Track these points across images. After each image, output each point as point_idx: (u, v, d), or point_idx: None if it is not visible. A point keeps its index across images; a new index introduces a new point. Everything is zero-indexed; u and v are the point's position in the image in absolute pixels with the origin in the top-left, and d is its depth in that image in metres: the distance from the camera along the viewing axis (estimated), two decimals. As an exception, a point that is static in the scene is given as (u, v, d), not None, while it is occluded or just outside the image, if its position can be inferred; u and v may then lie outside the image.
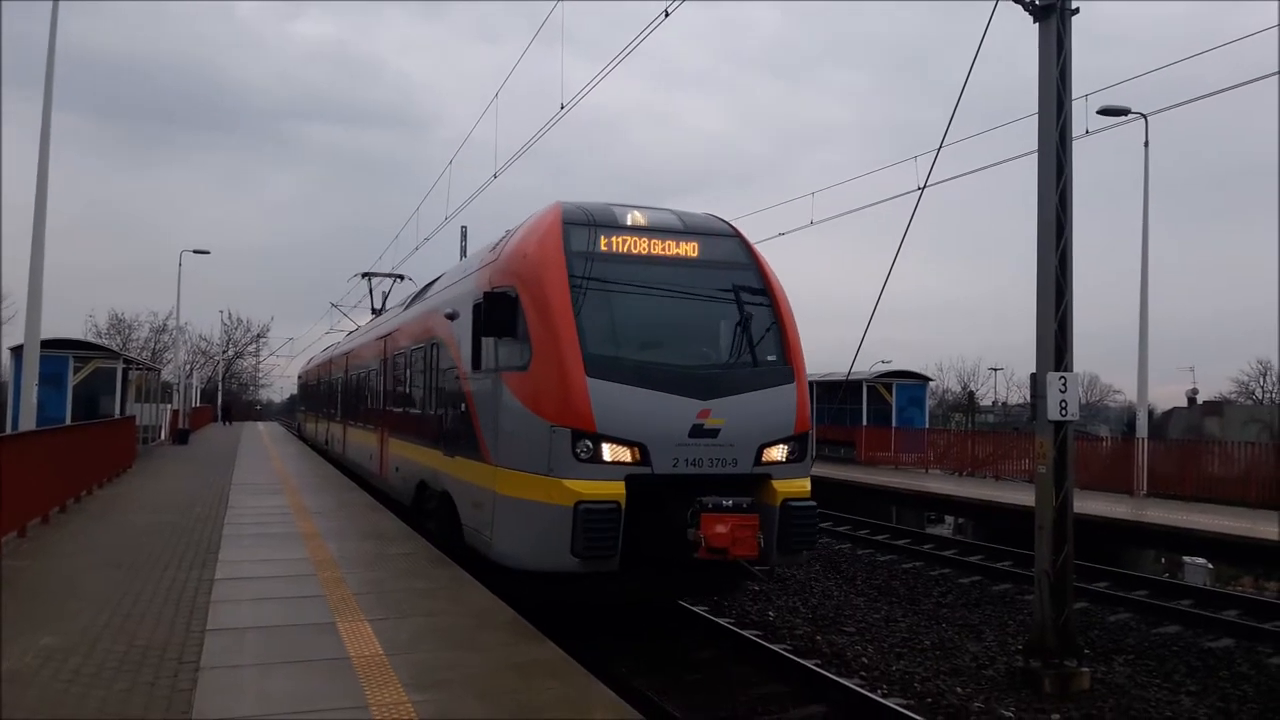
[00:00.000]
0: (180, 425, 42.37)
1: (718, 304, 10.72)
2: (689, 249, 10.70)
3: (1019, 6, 10.88)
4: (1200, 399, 72.32)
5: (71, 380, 28.52)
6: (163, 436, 41.74)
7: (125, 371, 32.90)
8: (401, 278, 31.73)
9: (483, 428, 10.74)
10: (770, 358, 10.48)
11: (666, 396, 9.54)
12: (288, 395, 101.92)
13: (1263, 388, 77.24)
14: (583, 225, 10.36)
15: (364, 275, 33.59)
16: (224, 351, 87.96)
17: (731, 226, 11.40)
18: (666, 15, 12.21)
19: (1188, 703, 10.29)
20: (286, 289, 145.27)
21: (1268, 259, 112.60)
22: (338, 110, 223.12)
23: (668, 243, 10.61)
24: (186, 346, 75.47)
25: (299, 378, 51.54)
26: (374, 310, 31.25)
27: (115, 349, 39.15)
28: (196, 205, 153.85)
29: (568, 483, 9.16)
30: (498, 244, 11.64)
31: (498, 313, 10.15)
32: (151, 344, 77.16)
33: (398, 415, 16.86)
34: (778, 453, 10.06)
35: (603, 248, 10.27)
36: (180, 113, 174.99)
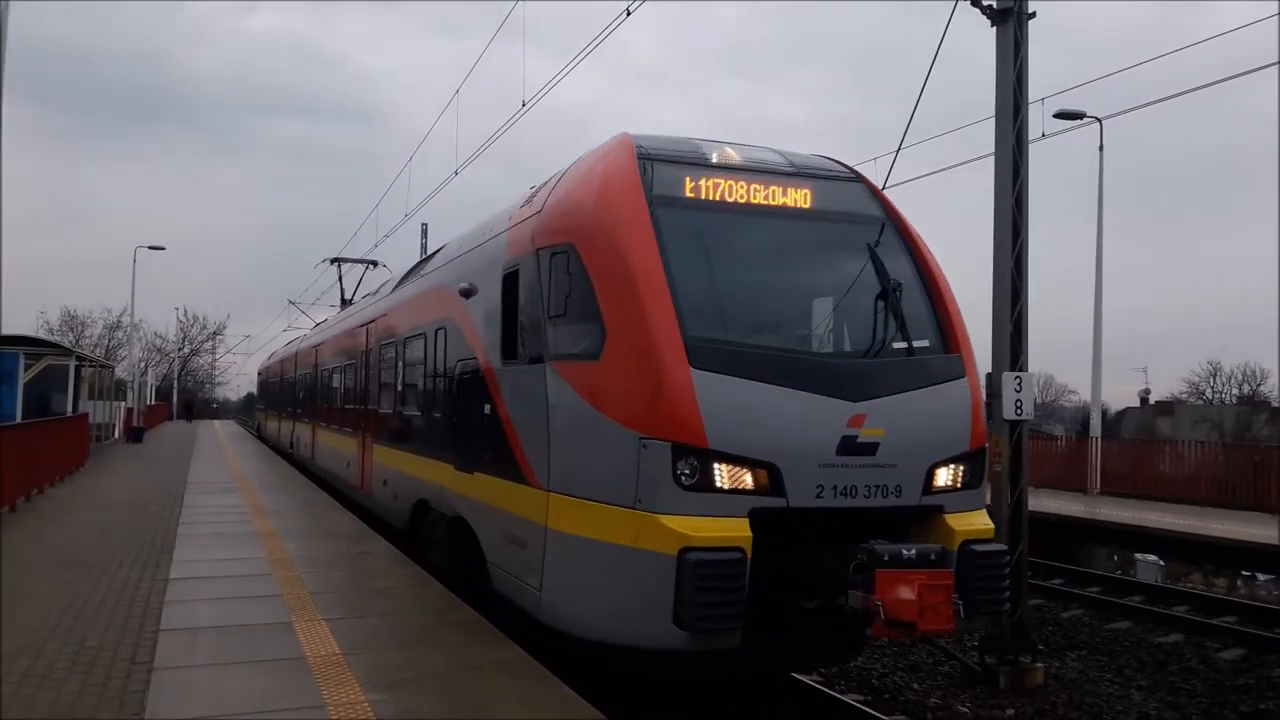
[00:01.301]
0: (134, 423, 41.72)
1: (850, 269, 8.01)
2: (802, 196, 8.05)
3: (977, 10, 11.02)
4: (1152, 399, 73.68)
5: (22, 378, 27.94)
6: (116, 435, 41.07)
7: (78, 369, 32.31)
8: (374, 264, 29.83)
9: (522, 437, 8.11)
10: (926, 342, 7.86)
11: (804, 396, 6.85)
12: (245, 394, 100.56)
13: (1212, 388, 78.88)
14: (665, 163, 7.81)
15: (333, 261, 31.19)
16: (180, 349, 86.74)
17: (851, 168, 8.83)
18: (628, 14, 12.21)
19: (1138, 697, 10.48)
20: (243, 286, 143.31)
21: (1220, 261, 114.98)
22: (294, 104, 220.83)
23: (773, 188, 7.96)
24: (141, 344, 74.34)
25: (259, 374, 49.37)
26: (343, 300, 29.51)
27: (67, 346, 38.41)
28: (150, 200, 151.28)
29: (667, 520, 6.41)
30: (533, 194, 9.02)
31: (547, 282, 7.80)
32: (105, 341, 76.01)
33: (386, 417, 14.14)
34: (951, 475, 7.34)
35: (692, 193, 7.71)
36: (132, 106, 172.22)
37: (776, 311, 7.89)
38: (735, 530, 6.44)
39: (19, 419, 24.81)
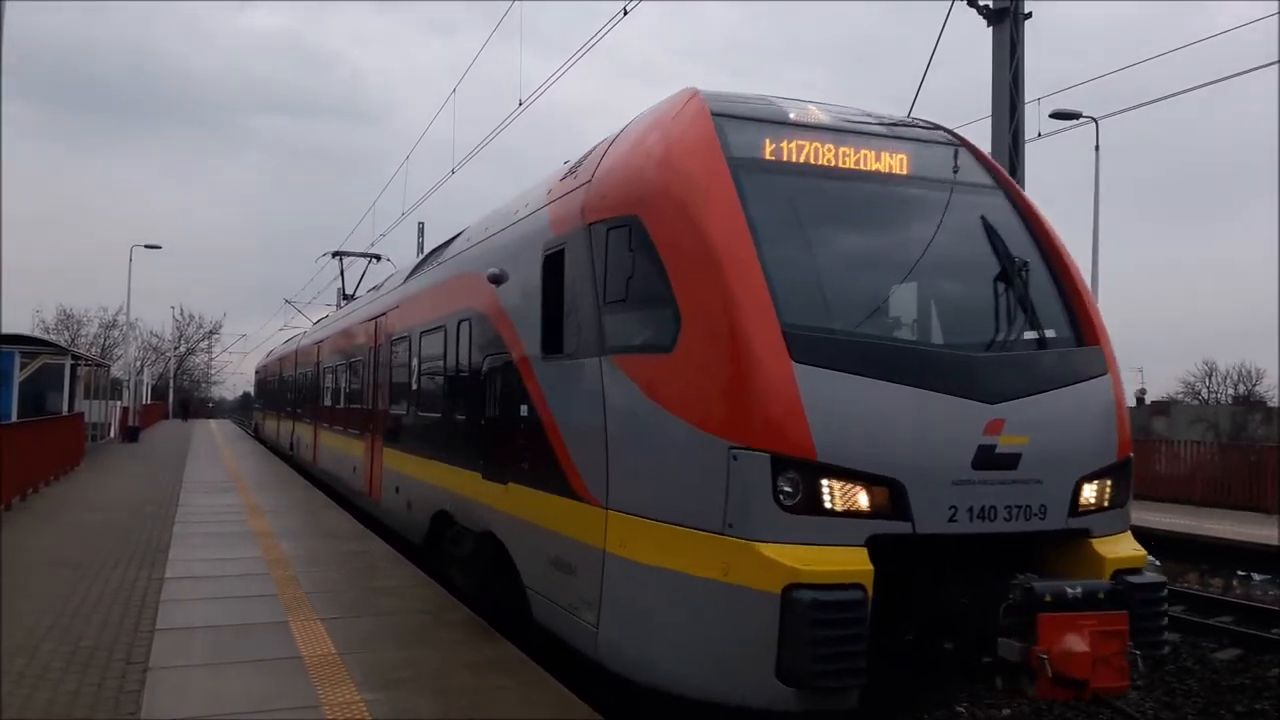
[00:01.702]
0: (130, 423, 41.65)
1: (966, 245, 6.77)
2: (899, 161, 6.84)
3: (974, 10, 11.04)
4: (1148, 399, 73.78)
5: (18, 376, 27.87)
6: (112, 434, 41.00)
7: (73, 368, 32.24)
8: (378, 258, 29.00)
9: (570, 443, 6.98)
10: (1057, 332, 6.59)
11: (932, 398, 5.66)
12: (241, 393, 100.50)
13: (1208, 388, 79.02)
14: (741, 121, 6.60)
15: (334, 254, 30.22)
16: (175, 348, 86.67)
17: (950, 130, 7.68)
18: (625, 13, 12.21)
19: (1134, 696, 10.48)
20: (239, 285, 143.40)
21: (1220, 261, 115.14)
22: (289, 102, 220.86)
23: (865, 151, 6.72)
24: (137, 343, 74.37)
25: (257, 372, 48.63)
26: (344, 295, 28.55)
27: (63, 345, 38.35)
28: (146, 198, 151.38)
29: (767, 549, 5.26)
30: (577, 164, 7.82)
31: (601, 262, 6.67)
32: (101, 340, 75.92)
33: (398, 419, 12.95)
34: (1097, 492, 6.17)
35: (773, 155, 6.48)
36: (127, 103, 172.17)
37: (884, 295, 6.53)
38: (853, 562, 5.28)
39: (14, 418, 24.77)
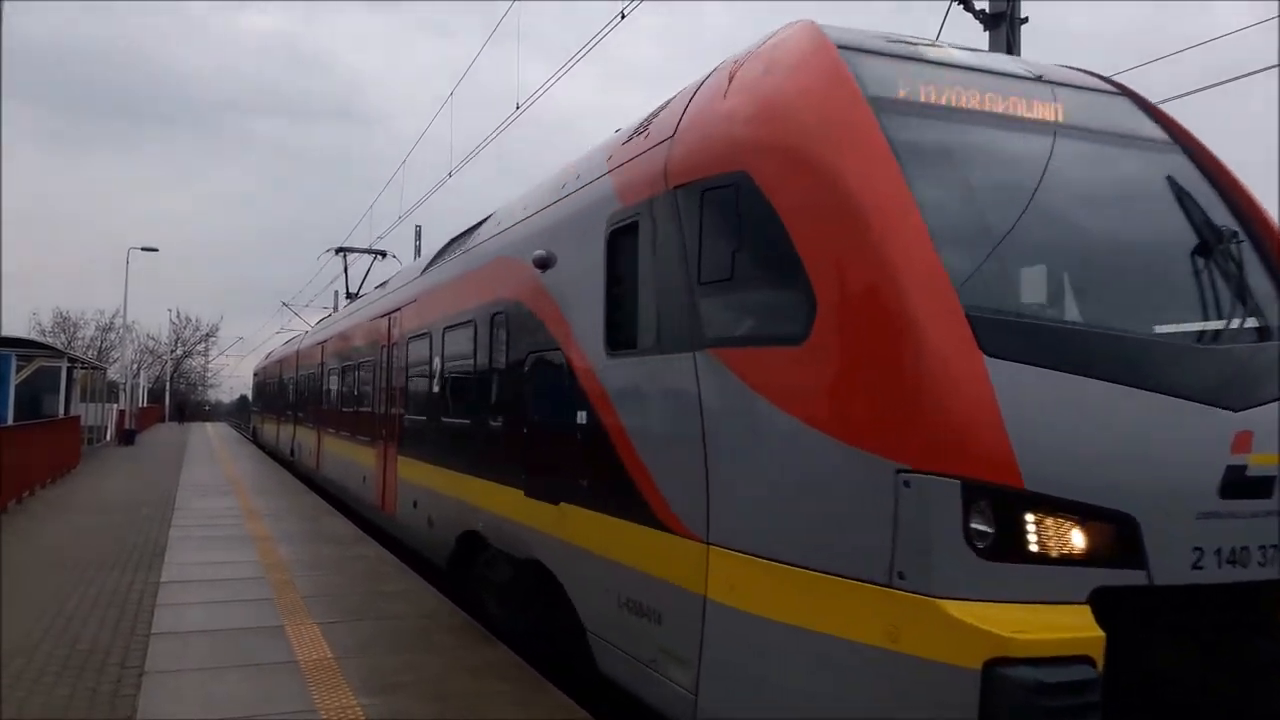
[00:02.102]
0: (126, 425, 41.61)
1: (1160, 212, 5.39)
2: (1054, 110, 5.48)
3: (970, 15, 11.06)
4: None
5: (14, 379, 27.83)
6: (109, 437, 40.96)
7: (70, 371, 32.21)
8: (383, 254, 27.81)
9: (648, 458, 5.73)
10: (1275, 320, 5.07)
11: (1163, 403, 4.29)
12: (238, 395, 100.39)
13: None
14: (872, 54, 5.24)
15: (338, 251, 28.50)
16: (172, 351, 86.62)
17: (1111, 79, 6.26)
18: (623, 17, 12.22)
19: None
20: (236, 287, 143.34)
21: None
22: (285, 104, 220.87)
23: (1015, 97, 5.39)
24: (134, 345, 74.31)
25: (255, 374, 47.49)
26: (349, 293, 27.32)
27: (60, 347, 38.31)
28: (142, 200, 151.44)
29: (957, 609, 3.85)
30: (650, 120, 6.50)
31: (694, 234, 5.39)
32: (98, 343, 75.87)
33: (419, 425, 11.67)
34: None
35: (912, 96, 5.11)
36: (124, 105, 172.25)
37: (1075, 269, 5.08)
38: (1077, 626, 3.83)
39: (10, 421, 24.74)
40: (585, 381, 6.51)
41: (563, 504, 6.79)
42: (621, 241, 6.15)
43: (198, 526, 13.61)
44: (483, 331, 8.98)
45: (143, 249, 47.16)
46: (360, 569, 10.52)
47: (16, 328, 54.37)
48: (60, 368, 30.87)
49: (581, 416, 6.50)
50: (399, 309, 13.16)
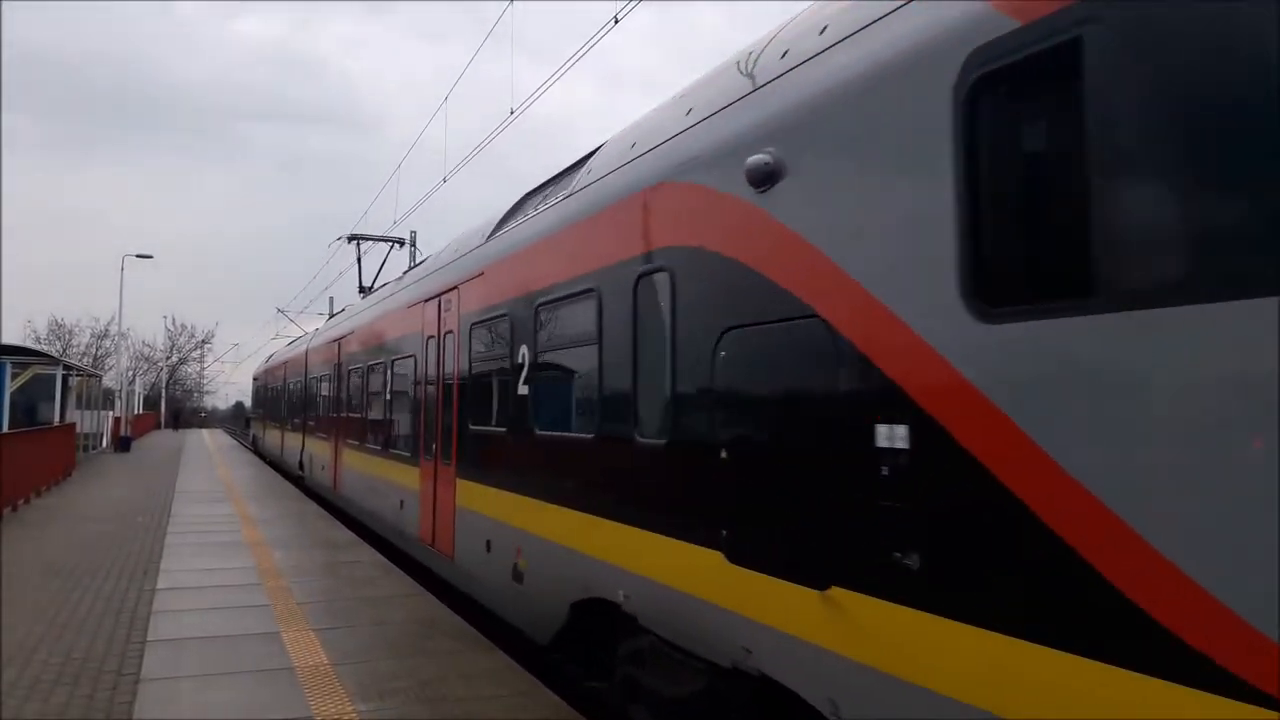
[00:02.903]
0: (122, 433, 41.54)
1: None
2: None
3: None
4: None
5: (9, 387, 27.79)
6: (104, 444, 40.88)
7: (65, 378, 32.15)
8: (400, 242, 24.77)
9: (1155, 532, 2.73)
10: None
11: None
12: (234, 402, 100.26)
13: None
14: None
15: (351, 239, 25.82)
16: (168, 358, 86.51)
17: None
18: (616, 21, 12.24)
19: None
20: (231, 294, 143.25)
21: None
22: (280, 110, 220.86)
23: None
24: (129, 352, 74.15)
25: (255, 378, 45.47)
26: (361, 287, 24.95)
27: (55, 355, 38.21)
28: (137, 206, 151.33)
29: None
30: None
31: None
32: (93, 350, 75.68)
33: (494, 439, 8.66)
34: None
35: None
36: (118, 111, 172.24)
37: None
38: None
39: (6, 428, 24.70)
40: (902, 367, 3.74)
41: (834, 590, 4.02)
42: (1004, 100, 3.41)
43: (193, 533, 13.59)
44: (616, 303, 6.21)
45: (138, 256, 47.13)
46: (355, 575, 10.50)
47: (11, 335, 54.43)
48: (55, 375, 30.81)
49: (883, 435, 3.80)
50: (453, 288, 10.39)
